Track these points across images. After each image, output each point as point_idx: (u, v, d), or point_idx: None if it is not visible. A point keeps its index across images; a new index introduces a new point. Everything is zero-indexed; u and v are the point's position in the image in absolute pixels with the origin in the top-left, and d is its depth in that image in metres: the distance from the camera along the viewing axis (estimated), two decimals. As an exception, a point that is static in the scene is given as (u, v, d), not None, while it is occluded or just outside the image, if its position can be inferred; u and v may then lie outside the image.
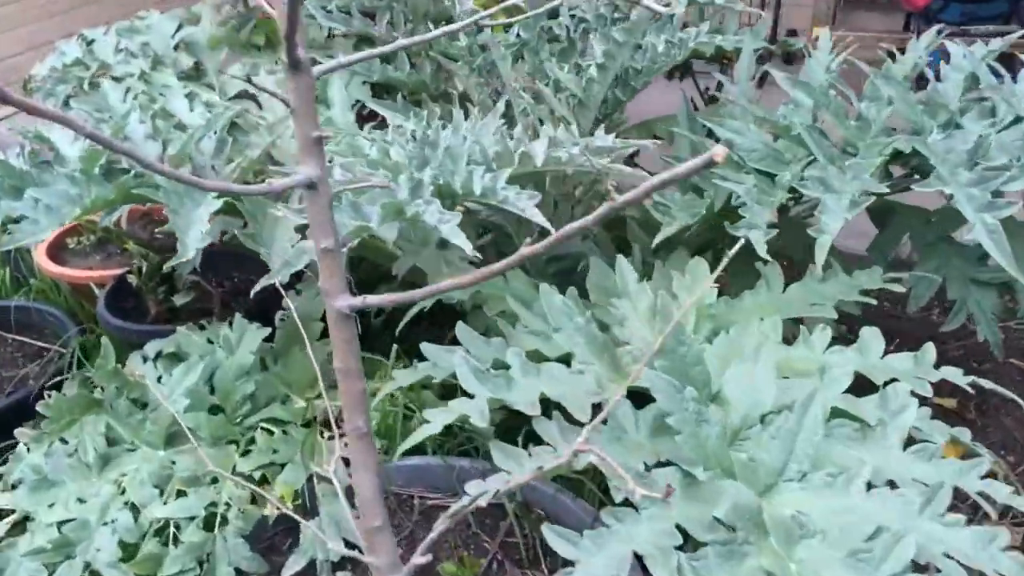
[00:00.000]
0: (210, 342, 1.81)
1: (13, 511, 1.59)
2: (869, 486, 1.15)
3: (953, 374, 1.48)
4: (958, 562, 1.08)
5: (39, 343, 2.31)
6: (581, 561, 1.11)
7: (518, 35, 2.11)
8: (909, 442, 1.28)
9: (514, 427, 1.48)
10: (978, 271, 1.87)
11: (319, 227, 1.10)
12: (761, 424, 1.30)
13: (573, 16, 2.14)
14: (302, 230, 1.66)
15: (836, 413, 1.31)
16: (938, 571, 1.08)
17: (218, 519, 1.54)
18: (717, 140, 2.09)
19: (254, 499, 1.59)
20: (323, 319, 1.86)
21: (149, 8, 2.48)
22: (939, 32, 1.99)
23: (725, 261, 0.98)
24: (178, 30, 2.40)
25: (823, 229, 1.59)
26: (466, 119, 1.81)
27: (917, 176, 1.91)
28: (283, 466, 1.64)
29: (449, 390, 1.71)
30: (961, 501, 1.32)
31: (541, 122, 1.99)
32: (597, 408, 1.33)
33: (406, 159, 1.63)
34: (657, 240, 1.72)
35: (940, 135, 1.73)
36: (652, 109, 2.44)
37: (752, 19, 3.69)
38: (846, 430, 1.26)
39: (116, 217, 1.92)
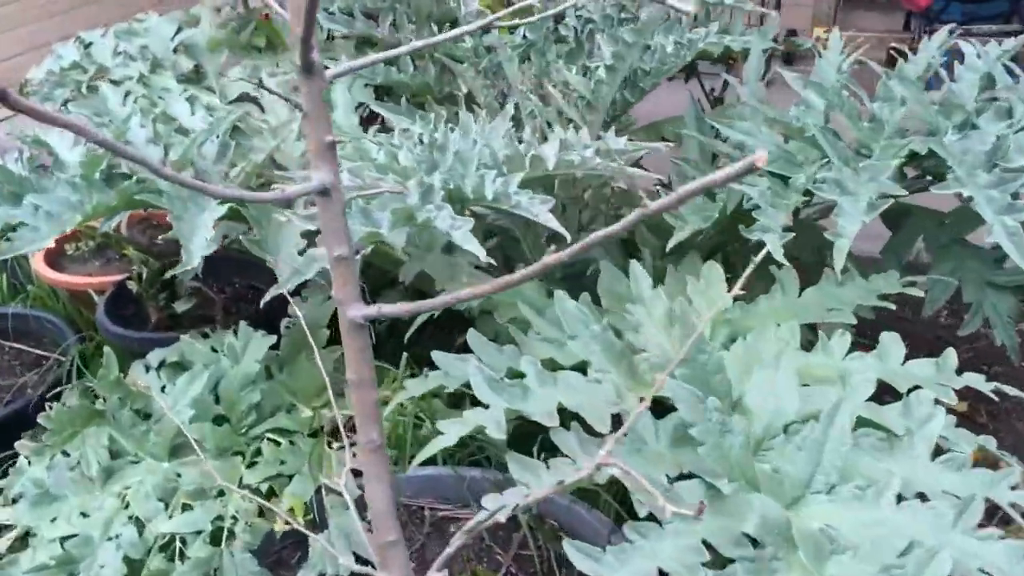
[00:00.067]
0: (214, 350, 1.77)
1: (14, 526, 1.55)
2: (899, 498, 1.12)
3: (975, 380, 1.45)
4: (992, 577, 1.05)
5: (37, 351, 2.28)
6: (603, 577, 1.08)
7: (524, 36, 2.08)
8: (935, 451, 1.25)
9: (525, 434, 1.44)
10: (994, 274, 1.85)
11: (333, 234, 1.07)
12: (784, 434, 1.26)
13: (579, 17, 2.11)
14: (308, 236, 1.63)
15: (860, 422, 1.28)
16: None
17: (225, 533, 1.50)
18: (724, 141, 2.06)
19: (261, 512, 1.55)
20: (329, 326, 1.84)
21: (148, 9, 2.44)
22: (950, 32, 1.96)
23: (750, 268, 0.95)
24: (177, 32, 2.36)
25: (840, 233, 1.57)
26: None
27: (929, 178, 1.89)
28: (291, 478, 1.60)
29: (458, 398, 1.68)
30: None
31: (549, 124, 1.96)
32: (616, 418, 1.30)
33: (415, 163, 1.59)
34: (671, 245, 1.69)
35: (956, 136, 1.71)
36: (657, 111, 2.42)
37: (757, 19, 3.66)
38: (872, 440, 1.23)
39: (116, 223, 1.89)
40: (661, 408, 1.30)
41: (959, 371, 1.45)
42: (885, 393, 1.41)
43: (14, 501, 1.58)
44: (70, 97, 2.25)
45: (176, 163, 1.75)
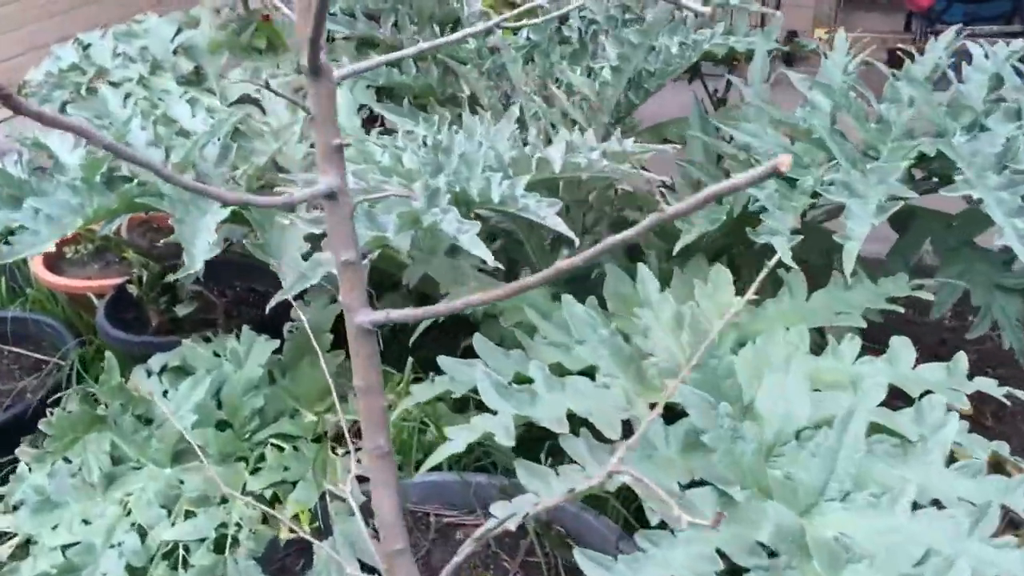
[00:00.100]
0: (216, 355, 1.75)
1: (15, 534, 1.53)
2: (914, 506, 1.11)
3: (987, 385, 1.44)
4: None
5: (36, 355, 2.25)
6: (615, 587, 1.06)
7: (528, 37, 2.06)
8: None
9: (531, 439, 1.43)
10: (1003, 276, 1.83)
11: (340, 239, 1.05)
12: (796, 440, 1.25)
13: (583, 18, 2.09)
14: (312, 239, 1.61)
15: (872, 428, 1.26)
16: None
17: (229, 540, 1.49)
18: (728, 142, 2.05)
19: (265, 519, 1.53)
20: (333, 330, 1.82)
21: (148, 10, 2.42)
22: (958, 33, 1.95)
23: (764, 273, 0.94)
24: (177, 34, 2.34)
25: (850, 235, 1.55)
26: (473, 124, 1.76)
27: (935, 179, 1.88)
28: (295, 484, 1.59)
29: (463, 402, 1.67)
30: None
31: (553, 126, 1.95)
32: (626, 424, 1.28)
33: (419, 166, 1.58)
34: (678, 248, 1.67)
35: (965, 137, 1.69)
36: (661, 112, 2.40)
37: (758, 20, 3.65)
38: (886, 447, 1.21)
39: (116, 226, 1.87)
40: (671, 413, 1.29)
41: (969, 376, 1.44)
42: (895, 398, 1.39)
43: (15, 508, 1.56)
44: (69, 99, 2.23)
45: (178, 166, 1.73)
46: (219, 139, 1.82)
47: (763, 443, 1.23)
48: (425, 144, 1.69)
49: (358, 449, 1.46)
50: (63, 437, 1.66)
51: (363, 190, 1.44)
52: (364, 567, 1.40)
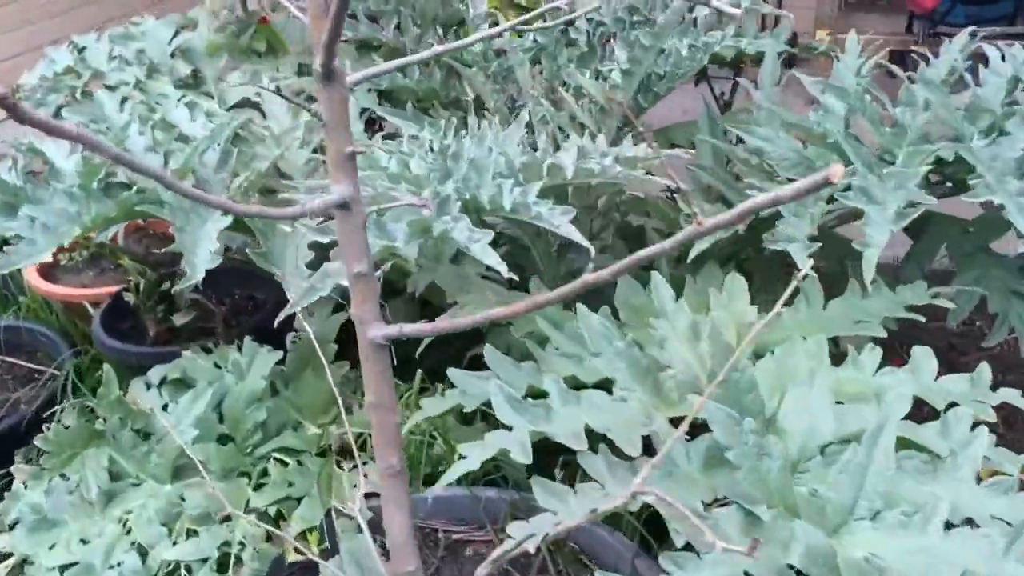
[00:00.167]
0: (217, 366, 1.71)
1: (11, 554, 1.48)
2: (947, 525, 1.07)
3: (1012, 396, 1.40)
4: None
5: (31, 365, 2.21)
6: (640, 612, 1.02)
7: (534, 40, 2.02)
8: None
9: (544, 452, 1.38)
10: (1019, 283, 1.80)
11: (352, 250, 1.01)
12: (821, 455, 1.21)
13: (591, 20, 2.05)
14: (316, 248, 1.57)
15: (898, 443, 1.22)
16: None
17: (232, 560, 1.44)
18: (735, 144, 2.01)
19: (269, 536, 1.49)
20: (337, 340, 1.77)
21: (146, 11, 2.38)
22: (972, 35, 1.91)
23: (791, 288, 0.89)
24: (174, 36, 2.29)
25: (868, 242, 1.51)
26: (479, 128, 1.72)
27: (949, 184, 1.84)
28: (299, 500, 1.54)
29: (470, 413, 1.62)
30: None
31: (561, 130, 1.90)
32: (645, 440, 1.24)
33: (427, 172, 1.53)
34: (692, 255, 1.63)
35: (984, 141, 1.66)
36: (666, 116, 2.37)
37: (763, 22, 3.60)
38: (915, 462, 1.17)
39: (112, 233, 1.82)
40: (689, 428, 1.24)
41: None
42: (915, 407, 1.35)
43: (11, 527, 1.51)
44: (64, 103, 2.18)
45: (177, 172, 1.69)
46: (219, 144, 1.78)
47: (788, 459, 1.18)
48: (432, 149, 1.65)
49: (365, 463, 1.42)
50: (60, 453, 1.62)
51: (371, 197, 1.40)
52: (372, 586, 1.36)
